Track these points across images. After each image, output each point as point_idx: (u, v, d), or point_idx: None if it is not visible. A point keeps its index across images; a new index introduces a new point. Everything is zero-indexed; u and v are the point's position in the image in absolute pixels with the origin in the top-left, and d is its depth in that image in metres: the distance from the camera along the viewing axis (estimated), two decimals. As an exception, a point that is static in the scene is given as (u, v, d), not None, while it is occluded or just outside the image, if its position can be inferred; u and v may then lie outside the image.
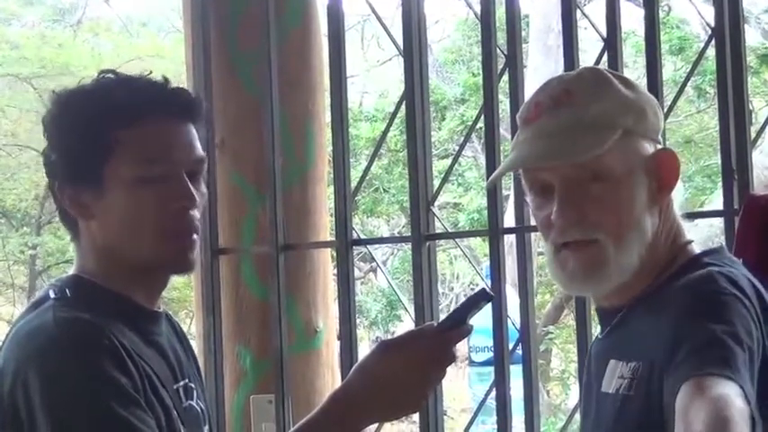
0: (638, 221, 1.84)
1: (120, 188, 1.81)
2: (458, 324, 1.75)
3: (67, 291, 1.82)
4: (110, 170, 1.81)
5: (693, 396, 1.57)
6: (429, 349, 1.74)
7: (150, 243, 1.83)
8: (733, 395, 1.56)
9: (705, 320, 1.68)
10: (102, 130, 1.81)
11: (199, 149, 1.87)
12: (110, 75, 1.87)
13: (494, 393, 3.52)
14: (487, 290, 1.79)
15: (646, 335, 1.79)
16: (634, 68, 9.01)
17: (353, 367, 1.78)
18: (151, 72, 1.88)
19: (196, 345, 3.72)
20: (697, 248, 1.91)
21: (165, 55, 12.12)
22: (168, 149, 1.83)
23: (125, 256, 1.84)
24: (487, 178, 3.59)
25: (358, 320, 3.77)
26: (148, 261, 1.84)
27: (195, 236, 1.86)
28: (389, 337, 1.88)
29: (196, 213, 1.86)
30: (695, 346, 1.64)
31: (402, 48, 3.64)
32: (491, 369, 3.63)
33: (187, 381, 1.91)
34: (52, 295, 1.82)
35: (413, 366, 1.73)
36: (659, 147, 1.90)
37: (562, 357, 10.68)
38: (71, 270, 1.90)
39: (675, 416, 1.58)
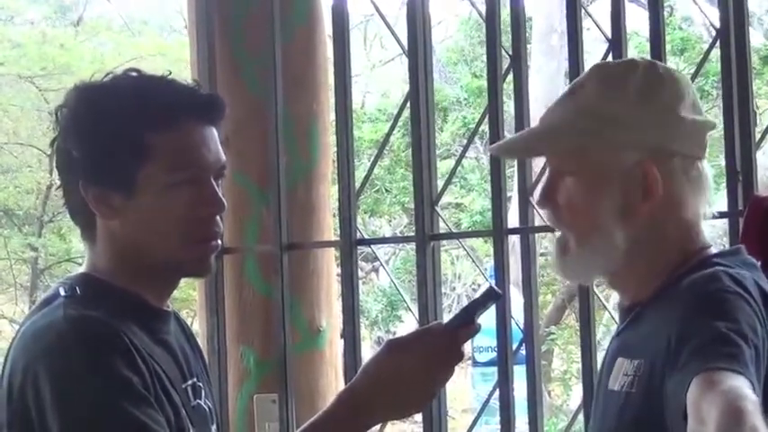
0: (601, 226, 1.86)
1: (152, 192, 1.79)
2: (466, 323, 1.75)
3: (78, 289, 1.81)
4: (144, 174, 1.78)
5: (704, 391, 1.57)
6: (436, 348, 1.73)
7: (176, 246, 1.82)
8: (743, 386, 1.56)
9: (709, 318, 1.69)
10: (137, 134, 1.78)
11: (223, 154, 1.86)
12: (133, 73, 1.84)
13: (497, 393, 3.53)
14: (495, 288, 1.79)
15: (650, 333, 1.80)
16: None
17: (360, 368, 1.78)
18: (170, 72, 1.85)
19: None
20: (713, 250, 1.91)
21: (166, 53, 12.10)
22: (200, 154, 1.82)
23: (146, 257, 1.83)
24: (491, 179, 3.58)
25: (359, 320, 3.78)
26: (169, 263, 1.84)
27: (219, 241, 1.87)
28: (390, 336, 1.87)
29: (221, 219, 1.86)
30: (701, 343, 1.65)
31: (407, 47, 3.64)
32: (494, 369, 3.64)
33: (195, 380, 1.90)
34: (62, 293, 1.80)
35: (419, 365, 1.73)
36: (652, 158, 1.87)
37: (564, 358, 10.67)
38: (81, 268, 1.89)
39: (687, 411, 1.58)
